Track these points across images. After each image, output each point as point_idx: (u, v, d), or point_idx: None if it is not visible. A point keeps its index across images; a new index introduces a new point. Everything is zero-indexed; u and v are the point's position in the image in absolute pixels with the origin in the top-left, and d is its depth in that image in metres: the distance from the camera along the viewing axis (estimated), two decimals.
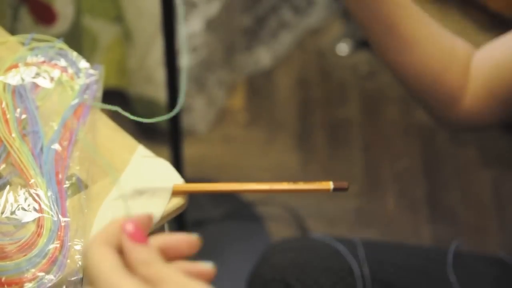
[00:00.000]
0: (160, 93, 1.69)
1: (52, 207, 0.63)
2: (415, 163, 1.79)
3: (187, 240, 0.48)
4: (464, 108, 0.81)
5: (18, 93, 0.72)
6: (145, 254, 0.45)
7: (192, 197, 0.68)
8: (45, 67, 0.74)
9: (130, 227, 0.46)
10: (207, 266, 0.47)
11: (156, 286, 0.43)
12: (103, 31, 1.71)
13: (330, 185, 0.64)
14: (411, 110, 1.90)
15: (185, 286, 0.44)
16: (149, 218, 0.48)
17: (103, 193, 0.65)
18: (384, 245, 0.97)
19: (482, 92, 0.80)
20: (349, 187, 0.64)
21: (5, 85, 0.72)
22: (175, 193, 0.66)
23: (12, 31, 1.63)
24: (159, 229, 0.66)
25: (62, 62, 0.75)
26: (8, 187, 0.65)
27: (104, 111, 0.73)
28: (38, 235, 0.61)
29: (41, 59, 0.75)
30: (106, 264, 0.44)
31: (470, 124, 0.83)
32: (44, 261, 0.60)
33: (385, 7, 0.75)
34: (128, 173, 0.67)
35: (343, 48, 2.04)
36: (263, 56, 1.99)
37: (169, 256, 0.47)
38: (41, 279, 0.58)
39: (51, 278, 0.59)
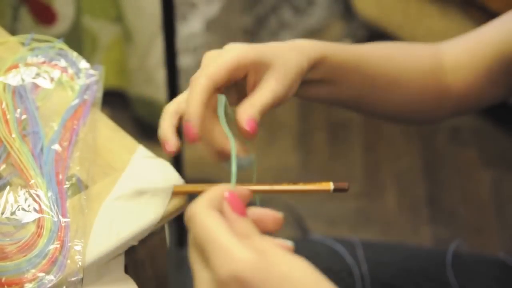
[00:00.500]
0: (160, 94, 1.69)
1: (52, 207, 0.63)
2: (415, 163, 1.79)
3: (274, 216, 0.50)
4: (453, 100, 0.81)
5: (18, 93, 0.72)
6: (246, 226, 0.47)
7: (192, 197, 0.68)
8: (45, 67, 0.74)
9: (232, 198, 0.48)
10: (288, 243, 0.48)
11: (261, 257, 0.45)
12: (103, 31, 1.71)
13: (330, 185, 0.64)
14: None
15: (288, 259, 0.45)
16: (249, 192, 0.50)
17: (103, 194, 0.65)
18: (384, 245, 0.97)
19: (476, 75, 0.80)
20: (349, 188, 0.64)
21: (5, 86, 0.72)
22: (175, 193, 0.66)
23: (12, 31, 1.63)
24: (159, 229, 0.66)
25: (62, 63, 0.75)
26: (8, 187, 0.65)
27: (104, 111, 0.73)
28: (38, 236, 0.61)
29: (41, 59, 0.75)
30: (220, 229, 0.45)
31: (464, 109, 0.84)
32: (44, 261, 0.60)
33: (360, 69, 0.74)
34: (128, 173, 0.67)
35: None
36: None
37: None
38: (41, 279, 0.58)
39: (51, 278, 0.59)
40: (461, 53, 0.80)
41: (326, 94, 0.73)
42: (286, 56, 0.65)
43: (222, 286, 0.45)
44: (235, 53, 0.61)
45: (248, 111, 0.60)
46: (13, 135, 0.68)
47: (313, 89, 0.71)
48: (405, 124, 0.88)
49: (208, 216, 0.46)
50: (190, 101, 0.59)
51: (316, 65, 0.68)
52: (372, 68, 0.74)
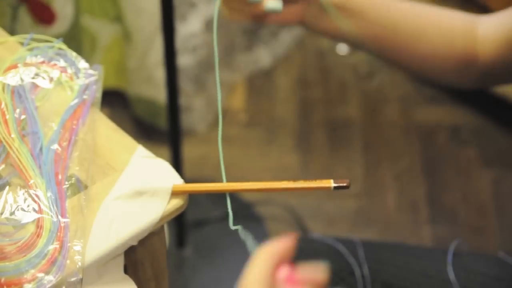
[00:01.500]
0: (159, 93, 1.69)
1: (52, 207, 0.63)
2: (415, 163, 1.79)
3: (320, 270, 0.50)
4: (479, 70, 0.83)
5: (17, 93, 0.72)
6: None
7: (192, 197, 0.68)
8: (44, 67, 0.74)
9: (290, 279, 0.50)
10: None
11: None
12: (103, 31, 1.71)
13: (331, 183, 0.64)
14: (411, 110, 1.90)
15: None
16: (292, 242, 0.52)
17: (102, 194, 0.65)
18: (384, 245, 0.97)
19: (506, 49, 0.81)
20: (350, 185, 0.64)
21: (4, 86, 0.72)
22: (175, 193, 0.66)
23: (11, 31, 1.63)
24: (159, 229, 0.66)
25: (62, 63, 0.75)
26: (7, 187, 0.64)
27: (104, 111, 0.73)
28: (38, 236, 0.61)
29: (40, 59, 0.75)
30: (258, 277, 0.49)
31: (489, 82, 0.86)
32: (44, 261, 0.59)
33: (383, 15, 0.77)
34: (127, 173, 0.67)
35: (343, 48, 2.04)
36: (263, 56, 1.99)
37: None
38: (41, 280, 0.58)
39: (50, 279, 0.58)
40: (495, 26, 0.82)
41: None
42: None
43: None
44: None
45: None
46: (12, 135, 0.68)
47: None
48: (430, 81, 0.93)
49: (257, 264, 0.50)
50: None
51: None
52: (395, 13, 0.79)
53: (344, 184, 0.64)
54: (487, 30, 0.83)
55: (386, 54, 0.83)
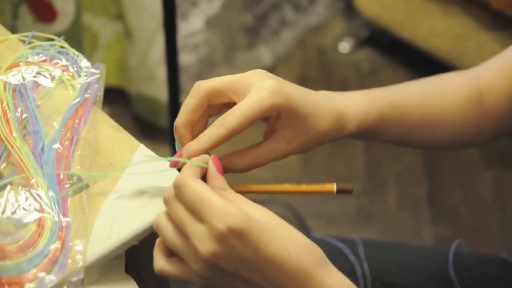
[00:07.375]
0: (160, 91, 1.68)
1: (53, 207, 0.62)
2: (416, 163, 1.79)
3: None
4: (490, 124, 0.82)
5: (19, 92, 0.72)
6: (222, 181, 0.60)
7: None
8: (46, 65, 0.74)
9: (215, 159, 0.62)
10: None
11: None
12: (104, 29, 1.71)
13: (333, 187, 0.64)
14: None
15: (252, 206, 0.60)
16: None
17: (104, 193, 0.65)
18: (385, 244, 0.97)
19: (507, 97, 0.80)
20: (353, 189, 0.64)
21: (6, 84, 0.72)
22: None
23: (12, 29, 1.63)
24: None
25: (63, 61, 0.75)
26: (9, 186, 0.64)
27: (104, 109, 0.73)
28: (39, 235, 0.61)
29: (42, 57, 0.75)
30: (210, 192, 0.56)
31: (503, 131, 0.85)
32: (45, 261, 0.59)
33: (401, 119, 0.77)
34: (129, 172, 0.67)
35: (344, 46, 2.04)
36: (264, 54, 1.99)
37: None
38: (42, 279, 0.58)
39: (51, 278, 0.58)
40: (491, 76, 0.81)
41: (366, 140, 0.78)
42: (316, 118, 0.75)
43: (220, 237, 0.55)
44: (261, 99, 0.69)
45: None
46: (14, 134, 0.67)
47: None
48: (447, 150, 0.92)
49: (197, 183, 0.57)
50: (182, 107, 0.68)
51: (361, 127, 0.74)
52: (411, 116, 0.77)
53: (348, 188, 0.64)
54: (490, 81, 0.81)
55: (409, 141, 0.82)
